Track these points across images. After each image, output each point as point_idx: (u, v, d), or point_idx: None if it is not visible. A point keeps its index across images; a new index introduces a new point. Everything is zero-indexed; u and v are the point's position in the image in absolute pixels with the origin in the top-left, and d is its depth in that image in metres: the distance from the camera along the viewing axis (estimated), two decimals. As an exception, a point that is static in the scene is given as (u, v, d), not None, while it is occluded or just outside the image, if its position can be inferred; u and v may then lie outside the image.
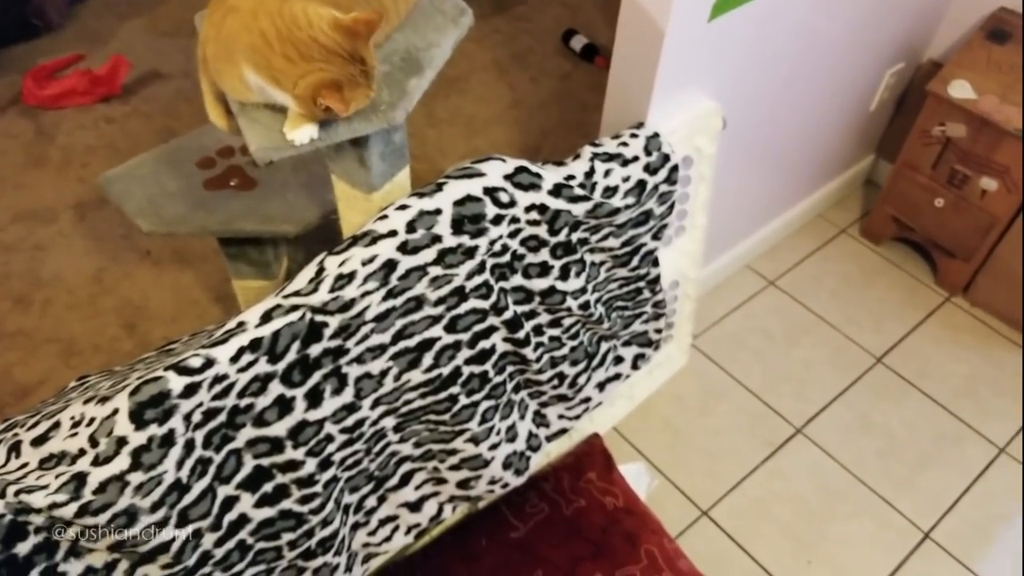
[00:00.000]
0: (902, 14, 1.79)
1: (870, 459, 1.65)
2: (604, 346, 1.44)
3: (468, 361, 1.20)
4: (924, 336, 1.88)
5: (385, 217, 1.07)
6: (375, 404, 1.14)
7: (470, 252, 1.11)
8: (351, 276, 1.03)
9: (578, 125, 2.37)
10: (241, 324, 0.98)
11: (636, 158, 1.25)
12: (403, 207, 1.07)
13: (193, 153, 1.46)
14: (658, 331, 1.53)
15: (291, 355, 1.00)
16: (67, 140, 2.28)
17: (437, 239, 1.08)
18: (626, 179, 1.24)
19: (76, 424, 0.95)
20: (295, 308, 1.00)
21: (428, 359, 1.15)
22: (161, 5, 2.73)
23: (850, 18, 1.63)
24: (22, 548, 0.90)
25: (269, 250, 1.49)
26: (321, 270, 1.04)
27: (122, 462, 0.90)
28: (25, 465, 0.97)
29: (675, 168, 1.30)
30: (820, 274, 2.02)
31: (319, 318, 1.01)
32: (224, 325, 1.02)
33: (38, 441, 0.98)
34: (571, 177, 1.19)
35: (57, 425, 0.98)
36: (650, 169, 1.26)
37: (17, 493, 0.89)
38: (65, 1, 2.63)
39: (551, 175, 1.17)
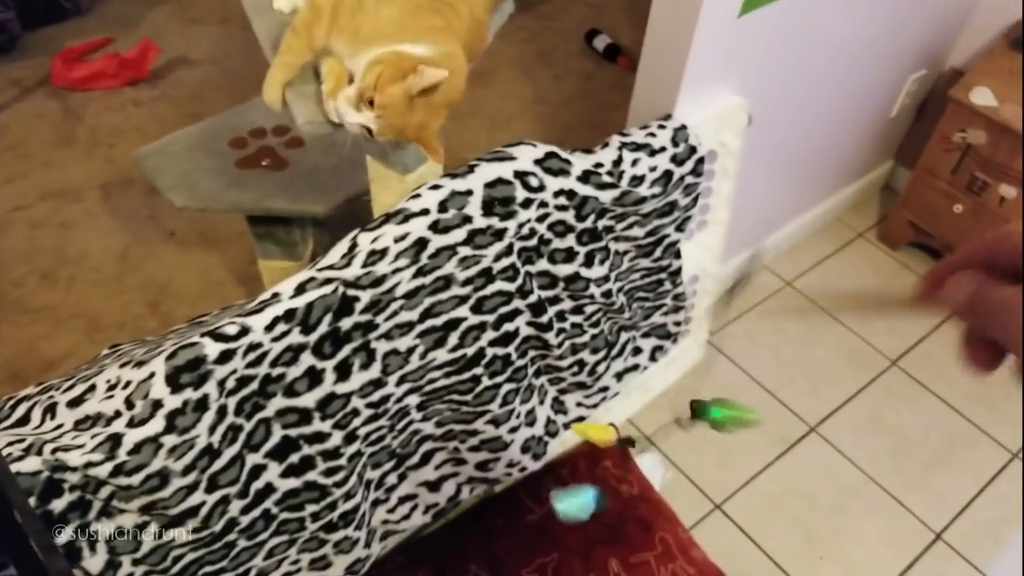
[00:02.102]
0: (925, 21, 1.81)
1: (883, 459, 1.66)
2: (624, 336, 1.46)
3: (492, 343, 1.21)
4: (938, 341, 1.89)
5: (418, 196, 1.09)
6: (400, 381, 1.16)
7: (499, 234, 1.13)
8: (383, 252, 1.05)
9: (600, 123, 2.40)
10: (276, 295, 1.00)
11: (663, 149, 1.27)
12: (436, 187, 1.09)
13: (226, 133, 1.49)
14: (677, 324, 1.55)
15: (323, 327, 1.02)
16: (95, 121, 2.31)
17: (468, 219, 1.10)
18: (653, 169, 1.26)
19: (112, 387, 0.97)
20: (328, 281, 1.02)
21: (454, 339, 1.17)
22: (190, -8, 2.77)
23: (875, 23, 1.65)
24: (57, 505, 0.92)
25: (296, 231, 1.52)
26: (354, 246, 1.06)
27: (157, 424, 0.92)
28: (60, 426, 0.99)
29: (701, 160, 1.31)
30: (837, 277, 2.04)
31: (351, 292, 1.03)
32: (258, 297, 1.04)
33: (74, 403, 1.00)
34: (599, 165, 1.21)
35: (93, 388, 1.00)
36: (676, 160, 1.28)
37: (54, 451, 0.91)
38: (96, -15, 2.67)
39: (580, 162, 1.19)
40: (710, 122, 1.38)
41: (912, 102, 2.08)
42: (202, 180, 1.41)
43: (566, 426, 1.45)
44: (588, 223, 1.22)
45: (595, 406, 1.47)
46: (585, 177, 1.19)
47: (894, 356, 1.85)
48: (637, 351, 1.52)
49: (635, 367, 1.52)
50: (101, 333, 1.80)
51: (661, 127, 1.29)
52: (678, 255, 1.42)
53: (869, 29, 1.65)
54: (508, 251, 1.15)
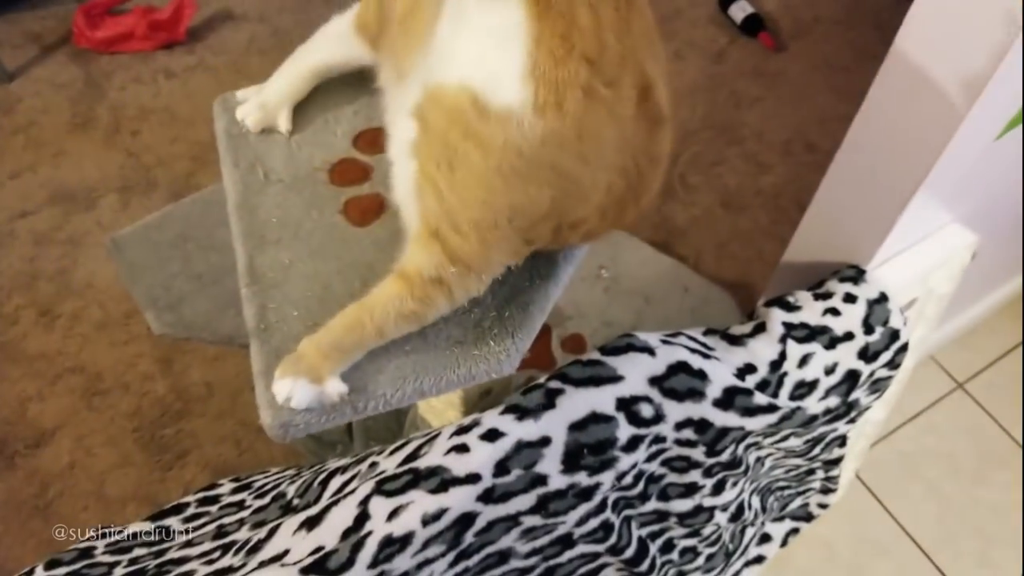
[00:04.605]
0: None
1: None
2: (749, 532, 1.06)
3: (565, 608, 0.85)
4: None
5: (465, 449, 0.70)
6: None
7: (586, 493, 0.74)
8: (405, 540, 0.68)
9: (729, 128, 1.89)
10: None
11: (849, 336, 0.83)
12: (494, 434, 0.70)
13: (227, 214, 1.10)
14: (822, 506, 1.14)
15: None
16: (119, 97, 1.94)
17: (540, 481, 0.71)
18: (830, 370, 0.82)
19: None
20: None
21: (509, 617, 0.81)
22: (239, -76, 2.31)
23: None
24: None
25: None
26: (365, 516, 0.69)
27: None
28: None
29: (904, 348, 0.87)
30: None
31: (353, 608, 0.67)
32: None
33: None
34: (749, 369, 0.79)
35: None
36: (868, 354, 0.84)
37: None
38: (129, -85, 2.24)
39: (720, 371, 0.77)
40: (917, 262, 0.92)
41: None
42: (191, 293, 1.04)
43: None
44: (724, 456, 0.81)
45: (701, 626, 1.10)
46: (727, 400, 0.76)
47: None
48: (765, 539, 1.13)
49: (759, 559, 1.13)
50: (101, 397, 1.50)
51: (849, 298, 0.84)
52: (843, 443, 1.00)
53: None
54: (600, 509, 0.76)
